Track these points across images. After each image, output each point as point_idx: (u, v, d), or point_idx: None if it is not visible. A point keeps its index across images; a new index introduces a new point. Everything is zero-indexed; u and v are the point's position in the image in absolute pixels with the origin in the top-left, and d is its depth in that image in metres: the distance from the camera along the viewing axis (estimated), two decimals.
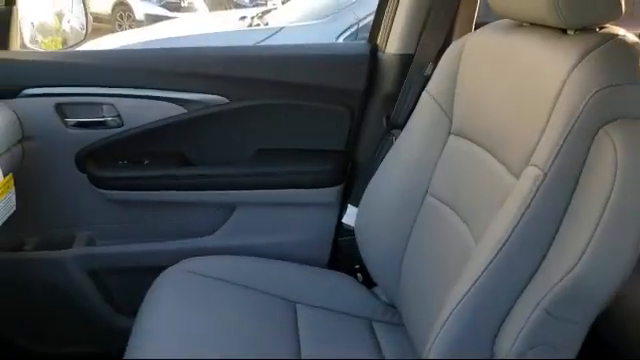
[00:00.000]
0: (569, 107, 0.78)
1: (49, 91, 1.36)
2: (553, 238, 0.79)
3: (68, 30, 1.81)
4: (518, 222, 0.80)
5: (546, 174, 0.78)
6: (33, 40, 1.62)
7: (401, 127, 1.31)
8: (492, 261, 0.81)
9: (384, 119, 1.42)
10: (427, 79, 1.26)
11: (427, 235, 1.17)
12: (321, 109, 1.45)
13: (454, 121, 1.15)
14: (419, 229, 1.20)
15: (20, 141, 1.33)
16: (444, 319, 0.84)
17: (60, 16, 1.82)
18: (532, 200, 0.79)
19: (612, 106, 0.77)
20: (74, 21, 1.83)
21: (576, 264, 0.75)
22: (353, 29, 2.92)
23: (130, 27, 9.29)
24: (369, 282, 1.38)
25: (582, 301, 0.78)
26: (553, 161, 0.78)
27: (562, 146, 0.78)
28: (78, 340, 1.51)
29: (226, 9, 9.57)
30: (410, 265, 1.19)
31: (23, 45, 1.48)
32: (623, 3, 0.86)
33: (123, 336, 1.14)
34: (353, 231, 1.37)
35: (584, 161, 0.77)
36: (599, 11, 0.86)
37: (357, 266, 1.43)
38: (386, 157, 1.31)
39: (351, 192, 1.47)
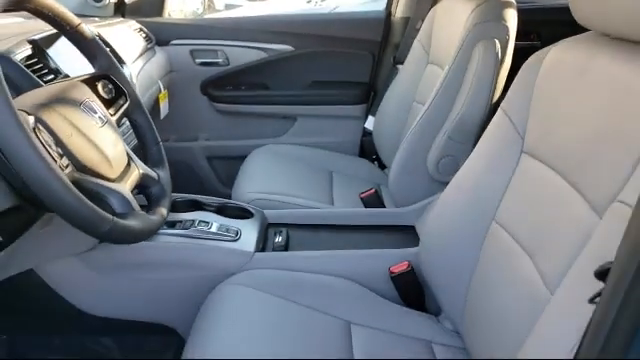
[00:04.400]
0: (465, 33, 1.53)
1: (186, 42, 2.23)
2: (454, 102, 1.54)
3: (186, 9, 2.67)
4: (436, 94, 1.56)
5: (450, 68, 1.54)
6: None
7: (402, 63, 2.08)
8: (425, 112, 1.58)
9: (392, 59, 2.19)
10: (417, 31, 2.00)
11: (403, 118, 1.90)
12: (354, 54, 2.25)
13: (430, 54, 1.90)
14: (407, 126, 1.93)
15: (169, 72, 2.19)
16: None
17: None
18: (444, 80, 1.55)
19: (482, 32, 1.51)
20: (190, 4, 2.68)
21: (461, 109, 1.51)
22: None
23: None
24: (381, 165, 2.15)
25: (464, 129, 1.51)
26: (455, 58, 1.53)
27: (459, 52, 1.53)
28: None
29: None
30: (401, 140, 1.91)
31: (169, 14, 2.34)
32: None
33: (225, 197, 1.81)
34: (372, 132, 2.16)
35: (469, 59, 1.52)
36: None
37: (374, 156, 2.21)
38: (391, 84, 2.07)
39: (371, 107, 2.25)
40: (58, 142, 0.81)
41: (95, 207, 0.78)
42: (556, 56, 1.00)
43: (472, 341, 1.09)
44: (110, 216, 0.80)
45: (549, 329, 0.76)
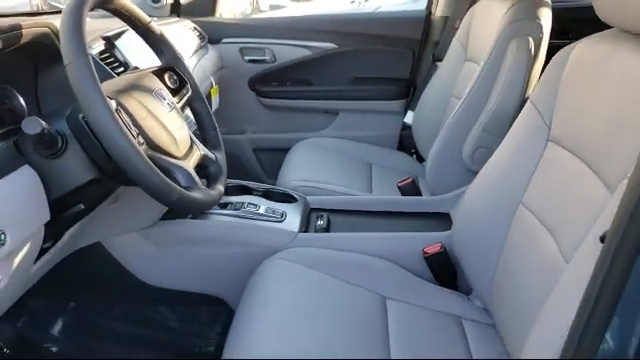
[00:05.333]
0: (499, 31, 1.61)
1: (236, 40, 2.37)
2: (489, 96, 1.62)
3: (235, 10, 2.81)
4: (472, 88, 1.64)
5: (485, 63, 1.62)
6: None
7: (441, 60, 2.16)
8: (461, 105, 1.66)
9: (431, 56, 2.28)
10: (456, 30, 2.09)
11: (441, 113, 1.98)
12: (394, 51, 2.35)
13: (468, 52, 1.98)
14: (445, 120, 2.01)
15: (220, 69, 2.33)
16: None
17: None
18: (480, 75, 1.63)
19: (516, 30, 1.58)
20: (240, 5, 2.82)
21: (495, 102, 1.58)
22: None
23: None
24: (419, 158, 2.24)
25: (498, 122, 1.58)
26: (490, 54, 1.61)
27: (494, 49, 1.61)
28: None
29: None
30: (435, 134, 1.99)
31: (221, 15, 2.49)
32: None
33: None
34: (411, 127, 2.24)
35: (503, 55, 1.59)
36: None
37: (412, 150, 2.30)
38: (430, 80, 2.15)
39: (411, 103, 2.34)
40: (135, 123, 0.94)
41: (167, 179, 0.90)
42: (581, 52, 1.08)
43: (500, 317, 1.17)
44: (178, 187, 0.93)
45: (561, 296, 0.85)
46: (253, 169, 2.46)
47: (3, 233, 0.82)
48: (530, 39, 1.56)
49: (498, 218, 1.19)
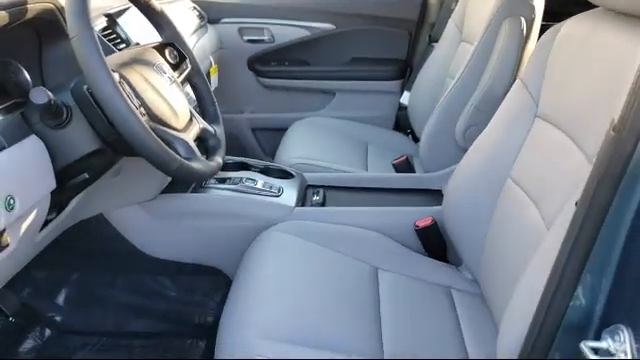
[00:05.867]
0: (493, 11, 1.64)
1: (235, 20, 2.40)
2: (482, 75, 1.66)
3: None
4: (465, 68, 1.67)
5: (479, 43, 1.65)
6: None
7: (437, 41, 2.19)
8: (454, 84, 1.70)
9: (427, 37, 2.31)
10: (452, 11, 2.11)
11: (437, 93, 2.01)
12: (392, 32, 2.38)
13: (463, 33, 2.01)
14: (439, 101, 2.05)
15: (219, 49, 2.36)
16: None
17: None
18: (473, 55, 1.66)
19: (509, 9, 1.61)
20: None
21: (487, 82, 1.62)
22: None
23: None
24: (415, 138, 2.27)
25: (490, 101, 1.62)
26: (483, 34, 1.65)
27: (487, 28, 1.64)
28: None
29: None
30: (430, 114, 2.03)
31: None
32: None
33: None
34: (407, 107, 2.28)
35: (496, 35, 1.63)
36: None
37: (408, 130, 2.33)
38: (426, 61, 2.19)
39: (407, 83, 2.37)
40: (137, 95, 0.98)
41: (167, 148, 0.95)
42: (567, 30, 1.12)
43: (487, 287, 1.22)
44: (178, 157, 0.97)
45: (539, 261, 0.89)
46: (251, 148, 2.50)
47: (12, 198, 0.86)
48: (523, 19, 1.59)
49: (487, 192, 1.23)
